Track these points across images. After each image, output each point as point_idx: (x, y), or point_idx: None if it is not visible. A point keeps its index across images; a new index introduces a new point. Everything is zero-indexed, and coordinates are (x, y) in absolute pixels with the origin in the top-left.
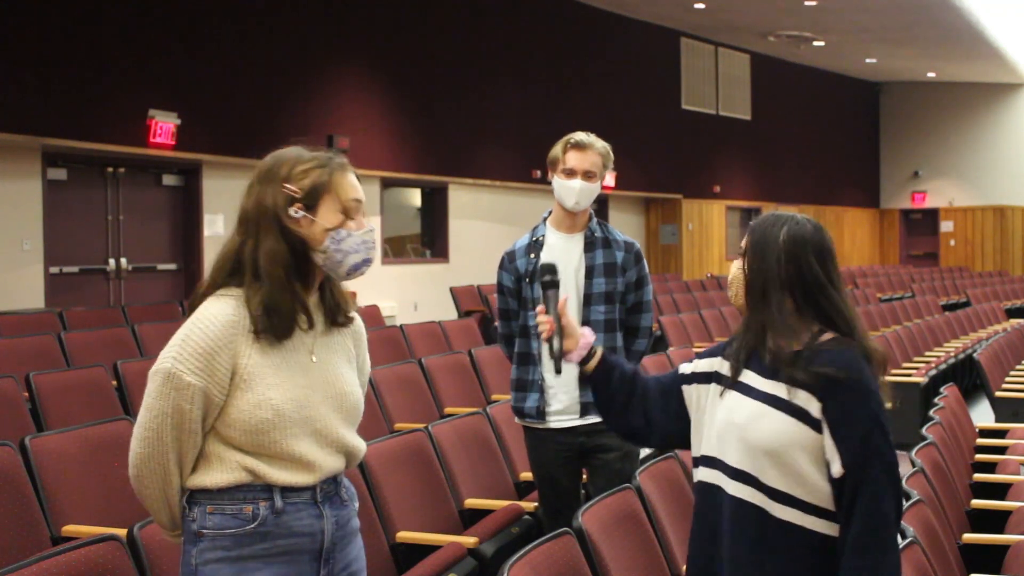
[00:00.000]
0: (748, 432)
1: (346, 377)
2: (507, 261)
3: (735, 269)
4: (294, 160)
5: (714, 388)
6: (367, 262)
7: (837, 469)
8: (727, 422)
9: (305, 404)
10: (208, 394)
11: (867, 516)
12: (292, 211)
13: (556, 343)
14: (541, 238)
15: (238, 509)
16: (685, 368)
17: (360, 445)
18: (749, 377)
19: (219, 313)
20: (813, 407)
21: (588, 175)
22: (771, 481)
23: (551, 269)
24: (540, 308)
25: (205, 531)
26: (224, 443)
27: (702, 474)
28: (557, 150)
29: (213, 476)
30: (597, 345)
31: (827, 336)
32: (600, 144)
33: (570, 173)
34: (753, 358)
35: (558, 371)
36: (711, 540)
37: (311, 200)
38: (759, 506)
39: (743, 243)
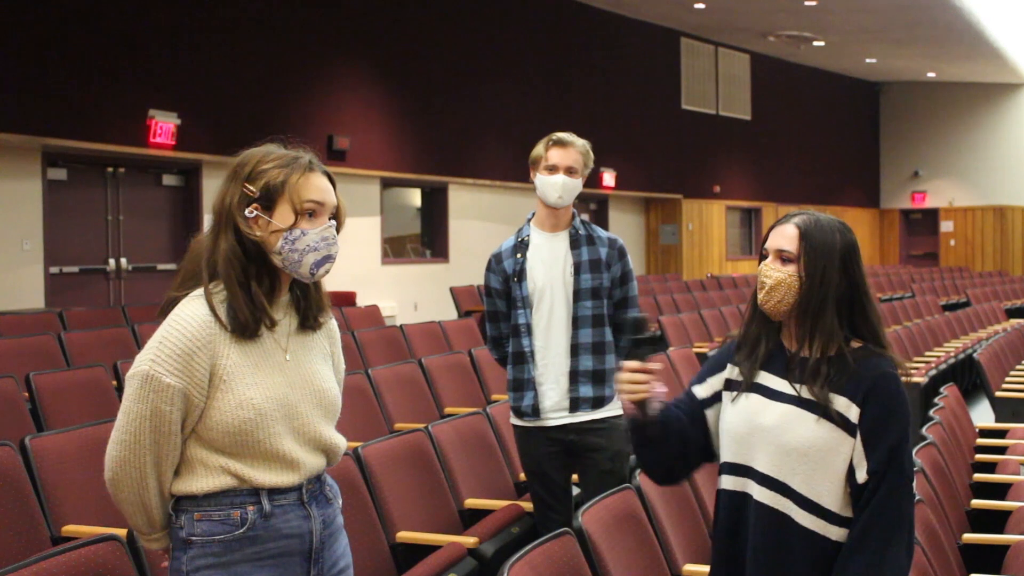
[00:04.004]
0: (782, 435)
1: (323, 374)
2: (494, 263)
3: (781, 274)
4: (258, 159)
5: (727, 395)
6: (329, 259)
7: (862, 475)
8: (752, 425)
9: (284, 402)
10: (188, 395)
11: (881, 514)
12: (248, 211)
13: (652, 406)
14: (526, 238)
15: (226, 515)
16: (700, 391)
17: (340, 441)
18: (767, 379)
19: (195, 313)
20: (853, 413)
21: (570, 171)
22: (799, 487)
23: (640, 324)
24: (639, 366)
25: (194, 538)
26: (207, 447)
27: (726, 482)
28: (539, 149)
29: (198, 482)
30: (586, 339)
31: (855, 344)
32: (580, 142)
33: (552, 169)
34: (770, 360)
35: (645, 437)
36: (731, 548)
37: (267, 201)
38: (784, 513)
39: (792, 248)
